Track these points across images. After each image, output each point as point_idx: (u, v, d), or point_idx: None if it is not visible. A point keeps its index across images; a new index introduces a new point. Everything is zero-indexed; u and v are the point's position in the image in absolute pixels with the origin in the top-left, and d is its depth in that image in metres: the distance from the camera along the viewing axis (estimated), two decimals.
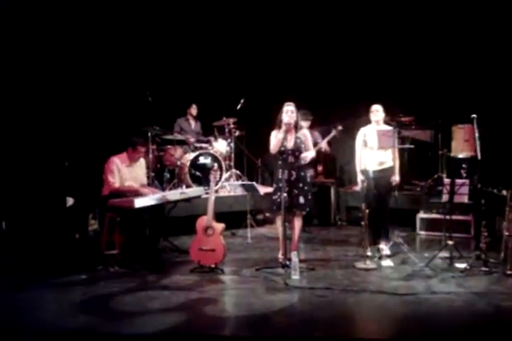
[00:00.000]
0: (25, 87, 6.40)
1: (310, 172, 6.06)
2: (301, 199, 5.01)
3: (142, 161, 5.70)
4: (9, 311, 3.90)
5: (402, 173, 5.81)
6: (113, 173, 5.30)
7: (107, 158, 5.41)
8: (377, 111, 5.62)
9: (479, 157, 5.09)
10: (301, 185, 5.03)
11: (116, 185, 5.30)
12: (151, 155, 7.06)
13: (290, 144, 5.02)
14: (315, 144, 6.35)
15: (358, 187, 6.03)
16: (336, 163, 8.11)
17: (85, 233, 6.30)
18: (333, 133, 6.90)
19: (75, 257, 5.47)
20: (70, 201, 6.24)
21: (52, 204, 6.21)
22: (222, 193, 7.29)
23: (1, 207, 6.02)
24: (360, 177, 5.57)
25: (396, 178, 5.53)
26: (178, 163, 7.31)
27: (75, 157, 6.50)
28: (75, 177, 6.36)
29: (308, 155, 5.04)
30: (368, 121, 5.79)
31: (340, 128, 6.86)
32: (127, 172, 5.43)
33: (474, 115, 5.19)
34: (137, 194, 5.22)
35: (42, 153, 6.34)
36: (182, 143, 7.69)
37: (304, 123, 6.14)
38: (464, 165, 6.79)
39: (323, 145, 6.96)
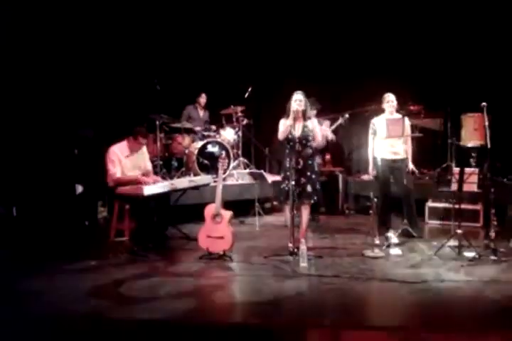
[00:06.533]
0: (36, 76, 6.41)
1: (317, 161, 6.05)
2: (309, 188, 5.00)
3: (143, 148, 5.66)
4: (20, 297, 3.94)
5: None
6: (113, 163, 5.26)
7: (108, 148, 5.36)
8: (392, 102, 5.63)
9: (489, 146, 5.05)
10: (308, 173, 5.02)
11: (118, 174, 5.27)
12: (158, 144, 7.07)
13: (298, 132, 5.00)
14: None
15: (366, 176, 6.02)
16: (343, 152, 8.08)
17: (95, 220, 6.35)
18: (340, 121, 6.83)
19: (85, 244, 5.52)
20: (79, 188, 6.28)
21: (61, 192, 6.26)
22: (230, 181, 7.29)
23: (11, 194, 6.07)
24: (371, 167, 5.57)
25: (410, 166, 5.63)
26: (186, 151, 7.32)
27: (84, 145, 6.52)
28: (84, 165, 6.39)
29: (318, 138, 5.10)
30: (377, 110, 5.76)
31: (347, 116, 6.80)
32: (128, 162, 5.39)
33: (484, 103, 5.14)
34: (139, 183, 5.18)
35: (52, 141, 6.37)
36: (190, 131, 7.69)
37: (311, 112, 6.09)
38: (473, 154, 6.76)
39: (329, 133, 6.92)
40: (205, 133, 7.68)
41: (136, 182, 5.21)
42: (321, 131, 5.24)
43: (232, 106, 7.72)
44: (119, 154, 5.31)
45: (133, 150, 5.43)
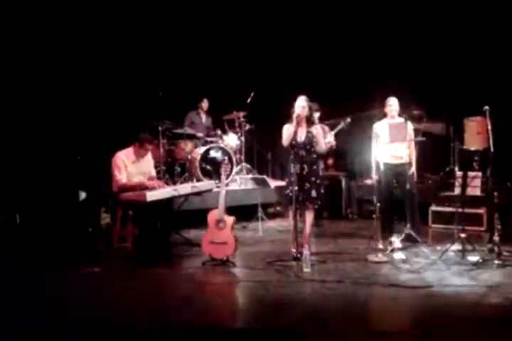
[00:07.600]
0: (39, 83, 6.45)
1: (321, 166, 6.04)
2: (314, 193, 5.01)
3: (148, 154, 5.68)
4: (21, 303, 3.94)
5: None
6: (120, 169, 5.28)
7: (114, 154, 5.39)
8: (394, 106, 5.62)
9: (492, 149, 5.04)
10: (313, 178, 5.04)
11: (124, 180, 5.29)
12: (161, 149, 7.08)
13: (301, 138, 5.02)
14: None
15: (369, 181, 6.01)
16: (346, 156, 8.07)
17: (98, 226, 6.36)
18: (341, 125, 6.80)
19: (88, 250, 5.52)
20: (82, 195, 6.29)
21: (65, 198, 6.27)
22: (233, 187, 7.30)
23: (15, 200, 6.09)
24: (374, 171, 5.56)
25: (413, 170, 5.62)
26: (189, 156, 7.33)
27: (87, 151, 6.54)
28: (87, 172, 6.41)
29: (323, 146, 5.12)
30: (380, 114, 5.76)
31: (348, 120, 6.78)
32: (134, 168, 5.41)
33: (487, 107, 5.13)
34: (145, 188, 5.20)
35: (55, 148, 6.39)
36: (192, 137, 7.71)
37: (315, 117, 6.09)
38: (476, 158, 6.73)
39: (332, 137, 6.91)
40: (208, 139, 7.71)
41: (141, 187, 5.23)
42: (324, 138, 5.26)
43: (234, 112, 7.74)
44: (125, 160, 5.34)
45: (139, 156, 5.46)
